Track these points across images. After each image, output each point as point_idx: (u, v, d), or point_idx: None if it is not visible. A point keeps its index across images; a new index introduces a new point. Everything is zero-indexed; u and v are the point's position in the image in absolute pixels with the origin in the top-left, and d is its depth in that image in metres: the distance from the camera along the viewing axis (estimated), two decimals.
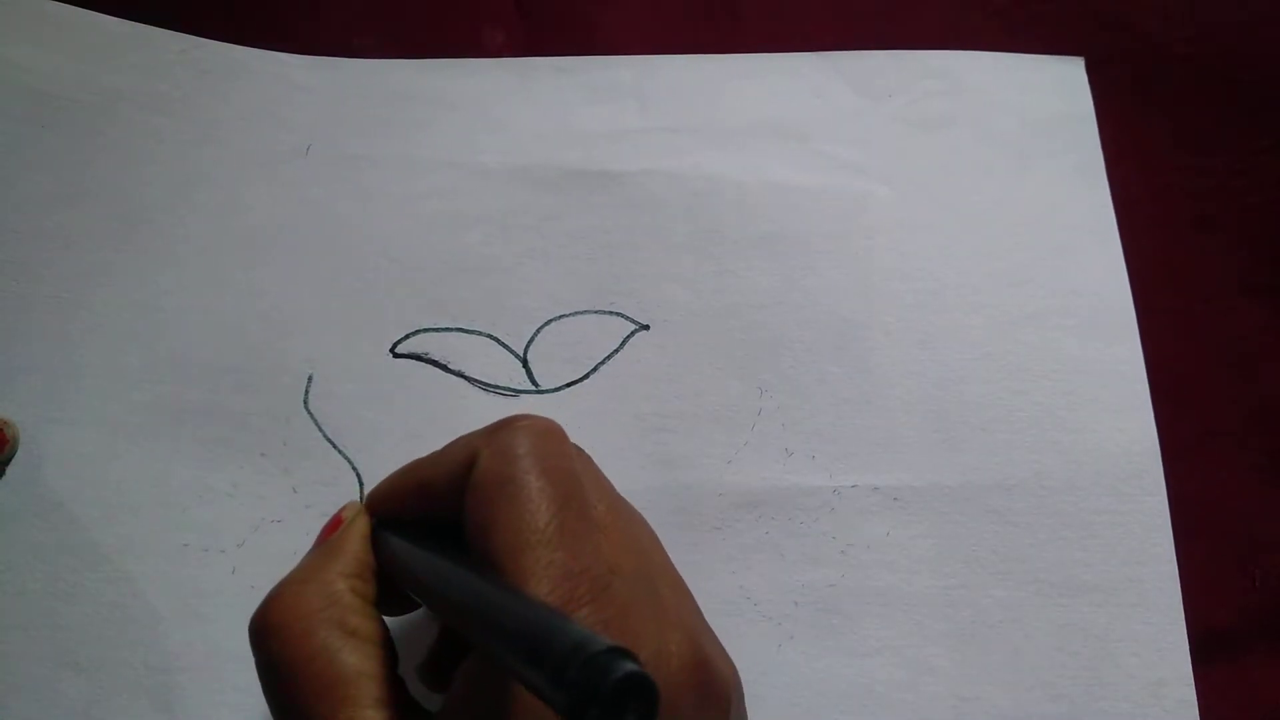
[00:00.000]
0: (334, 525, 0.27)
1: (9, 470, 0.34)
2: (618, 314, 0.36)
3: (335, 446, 0.35)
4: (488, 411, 0.35)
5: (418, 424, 0.35)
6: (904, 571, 0.34)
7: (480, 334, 0.36)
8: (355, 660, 0.22)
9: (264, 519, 0.34)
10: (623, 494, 0.33)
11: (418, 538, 0.25)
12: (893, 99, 0.40)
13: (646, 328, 0.36)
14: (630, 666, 0.15)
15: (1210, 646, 0.33)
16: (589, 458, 0.27)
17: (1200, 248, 0.39)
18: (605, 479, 0.27)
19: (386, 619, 0.25)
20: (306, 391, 0.35)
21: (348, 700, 0.21)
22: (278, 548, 0.33)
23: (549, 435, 0.24)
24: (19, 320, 0.36)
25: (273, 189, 0.38)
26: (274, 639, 0.23)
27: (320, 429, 0.35)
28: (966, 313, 0.37)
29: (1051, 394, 0.35)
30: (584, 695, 0.14)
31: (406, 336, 0.36)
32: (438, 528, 0.25)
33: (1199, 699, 0.32)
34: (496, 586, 0.20)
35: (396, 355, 0.36)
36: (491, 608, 0.19)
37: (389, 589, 0.25)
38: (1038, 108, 0.40)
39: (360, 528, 0.26)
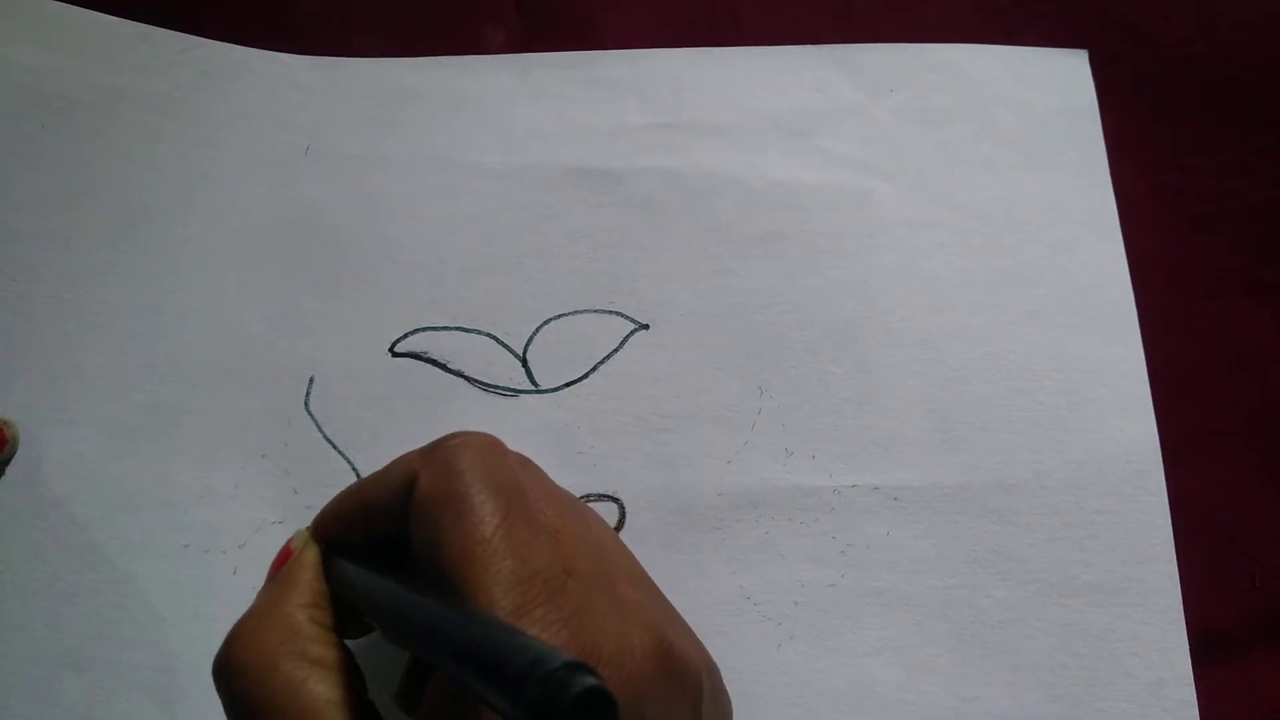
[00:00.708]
0: (284, 557, 0.26)
1: (9, 470, 0.34)
2: (617, 313, 0.36)
3: (335, 447, 0.35)
4: (487, 411, 0.35)
5: (417, 424, 0.35)
6: (904, 571, 0.34)
7: (480, 333, 0.36)
8: (322, 689, 0.22)
9: (265, 520, 0.34)
10: (623, 493, 0.33)
11: (368, 560, 0.25)
12: (894, 94, 0.40)
13: (646, 327, 0.36)
14: (588, 680, 0.14)
15: (1210, 646, 0.33)
16: (535, 466, 0.27)
17: (1200, 247, 0.39)
18: (554, 485, 0.27)
19: (351, 644, 0.25)
20: (307, 392, 0.35)
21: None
22: (279, 549, 0.33)
23: (487, 449, 0.24)
24: (19, 320, 0.36)
25: (273, 189, 0.38)
26: (238, 678, 0.23)
27: (320, 430, 0.35)
28: (968, 312, 0.36)
29: (1053, 393, 0.35)
30: (543, 713, 0.14)
31: (405, 336, 0.36)
32: (387, 548, 0.25)
33: (1199, 699, 0.32)
34: (449, 606, 0.20)
35: (396, 355, 0.36)
36: (446, 628, 0.19)
37: (347, 613, 0.25)
38: (1040, 102, 0.40)
39: (310, 557, 0.26)
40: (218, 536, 0.33)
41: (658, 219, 0.38)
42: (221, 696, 0.23)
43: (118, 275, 0.36)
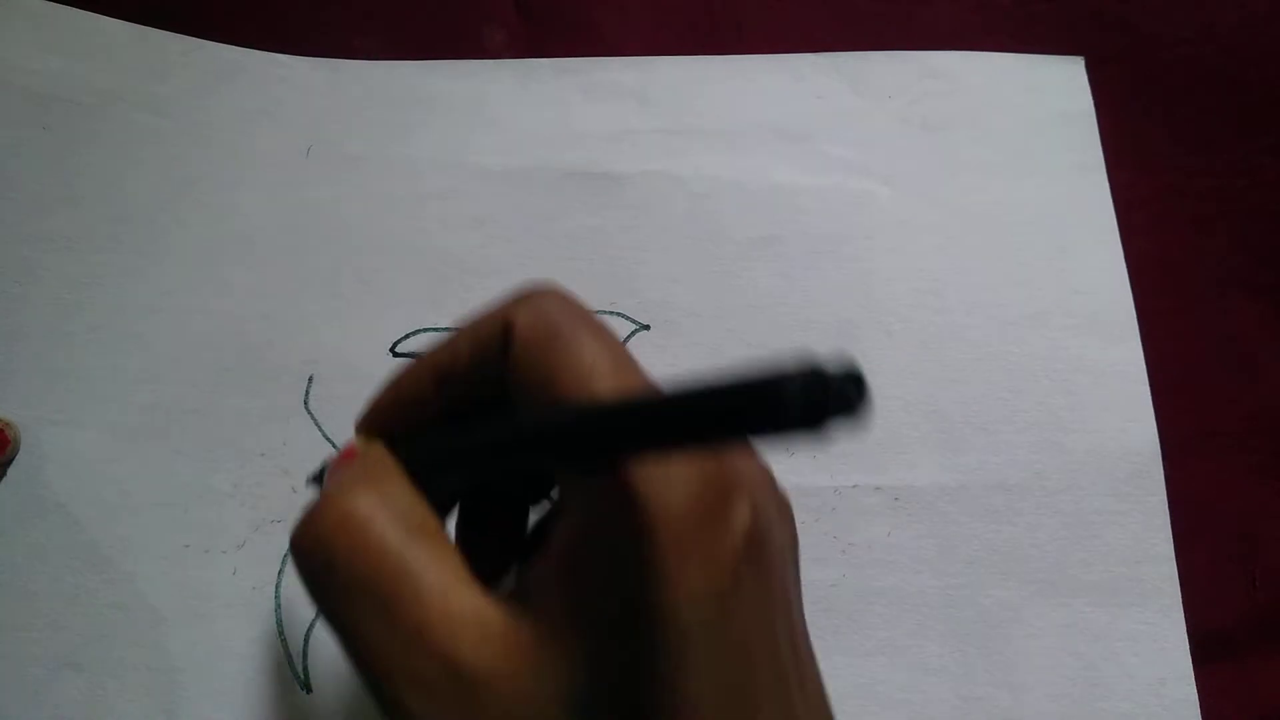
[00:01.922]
0: (346, 455, 0.24)
1: (10, 471, 0.34)
2: (618, 314, 0.37)
3: (335, 446, 0.35)
4: None
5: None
6: (904, 571, 0.34)
7: None
8: (428, 549, 0.20)
9: (265, 519, 0.34)
10: None
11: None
12: (893, 99, 0.40)
13: (647, 328, 0.36)
14: (839, 359, 0.13)
15: (1210, 646, 0.33)
16: None
17: (1200, 248, 0.39)
18: None
19: None
20: (307, 392, 0.35)
21: (435, 586, 0.20)
22: (278, 548, 0.33)
23: (567, 293, 0.23)
24: (20, 321, 0.36)
25: (273, 190, 0.38)
26: (339, 541, 0.20)
27: (320, 429, 0.35)
28: (967, 313, 0.37)
29: (1052, 394, 0.35)
30: (814, 405, 0.13)
31: (407, 336, 0.36)
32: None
33: (1199, 698, 0.32)
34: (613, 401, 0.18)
35: (397, 355, 0.36)
36: (643, 401, 0.17)
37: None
38: (1038, 107, 0.40)
39: (380, 450, 0.23)
40: (218, 536, 0.33)
41: (659, 222, 0.38)
42: (309, 566, 0.21)
43: (118, 276, 0.36)
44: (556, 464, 0.21)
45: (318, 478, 0.27)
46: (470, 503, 0.26)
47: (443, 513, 0.25)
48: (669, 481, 0.19)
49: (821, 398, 0.13)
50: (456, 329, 0.23)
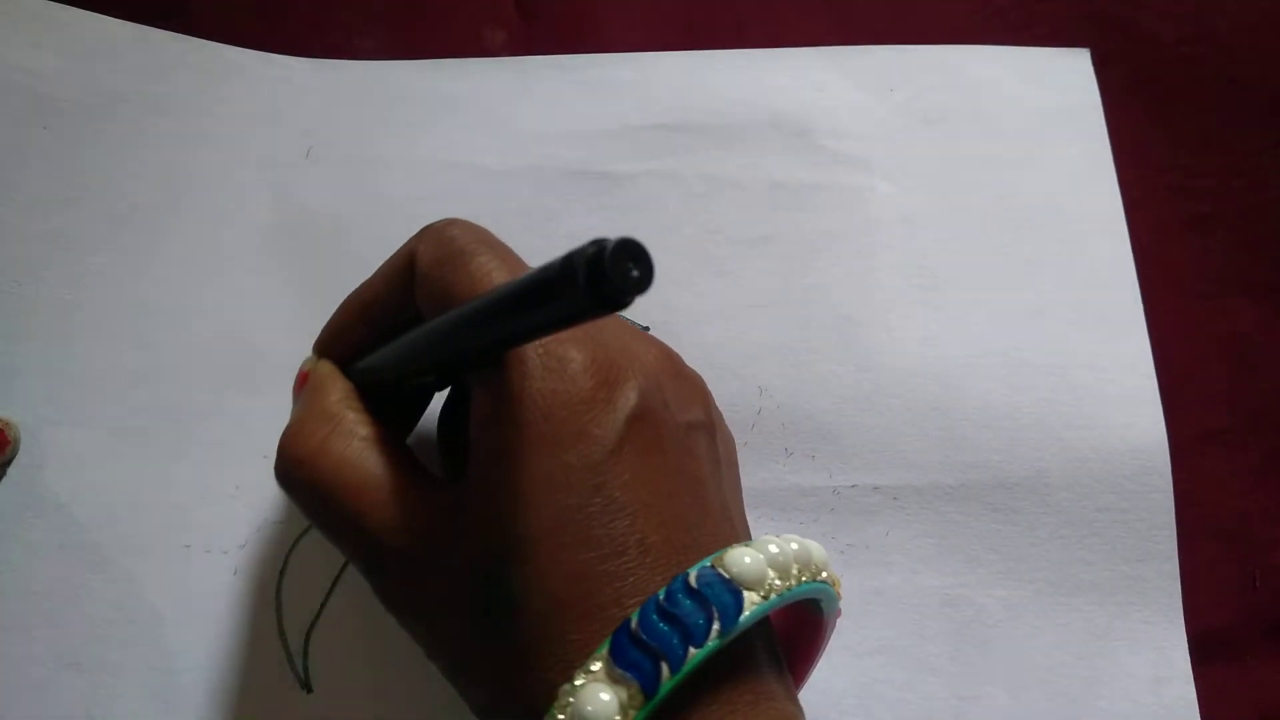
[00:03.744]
0: (302, 379, 0.29)
1: (10, 471, 0.34)
2: (618, 314, 0.36)
3: None
4: None
5: (418, 424, 0.35)
6: (904, 571, 0.34)
7: None
8: (375, 457, 0.24)
9: (266, 519, 0.34)
10: None
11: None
12: (894, 94, 0.40)
13: (647, 328, 0.36)
14: (625, 239, 0.15)
15: (1210, 646, 0.33)
16: None
17: (1200, 247, 0.39)
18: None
19: None
20: None
21: (391, 492, 0.23)
22: (279, 548, 0.33)
23: (473, 224, 0.26)
24: (20, 321, 0.36)
25: (273, 190, 0.38)
26: (298, 471, 0.25)
27: None
28: (969, 309, 0.36)
29: (1056, 390, 0.35)
30: (593, 271, 0.15)
31: None
32: None
33: (1199, 698, 0.32)
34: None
35: None
36: (486, 301, 0.20)
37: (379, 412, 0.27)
38: (1042, 100, 0.39)
39: (326, 366, 0.28)
40: (218, 536, 0.33)
41: (658, 220, 0.38)
42: (292, 497, 0.25)
43: (118, 276, 0.36)
44: (448, 366, 0.25)
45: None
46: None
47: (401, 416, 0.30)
48: (559, 374, 0.22)
49: (602, 266, 0.15)
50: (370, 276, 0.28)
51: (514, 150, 0.39)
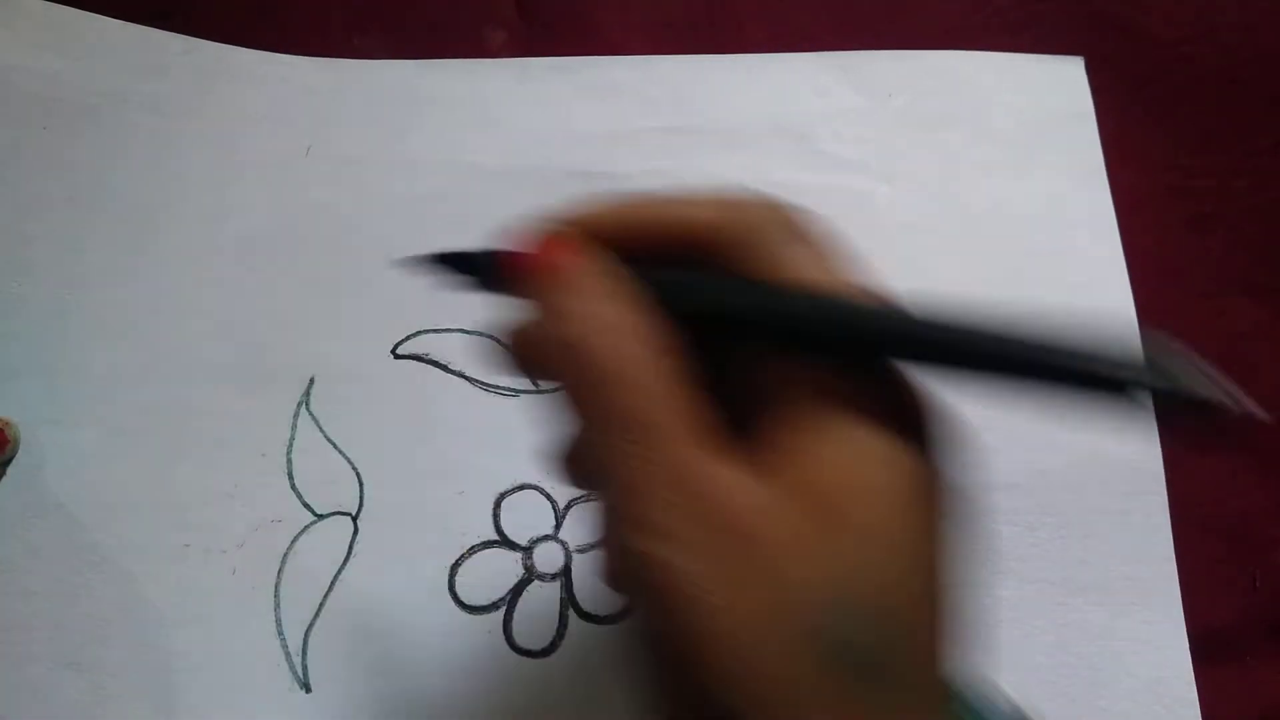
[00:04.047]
0: (558, 253, 0.21)
1: (10, 471, 0.34)
2: None
3: (336, 447, 0.35)
4: (488, 411, 0.35)
5: (418, 425, 0.35)
6: None
7: (481, 334, 0.36)
8: (677, 385, 0.19)
9: (264, 519, 0.34)
10: None
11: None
12: (893, 99, 0.40)
13: None
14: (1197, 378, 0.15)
15: (1210, 646, 0.33)
16: None
17: (1200, 247, 0.39)
18: None
19: None
20: (307, 392, 0.35)
21: (680, 411, 0.18)
22: (278, 548, 0.33)
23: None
24: (20, 321, 0.36)
25: (274, 190, 0.38)
26: (584, 348, 0.19)
27: (321, 429, 0.35)
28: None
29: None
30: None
31: (408, 337, 0.36)
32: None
33: (1199, 698, 0.32)
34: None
35: (397, 356, 0.36)
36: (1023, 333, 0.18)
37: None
38: (1037, 107, 0.40)
39: (613, 258, 0.21)
40: (217, 536, 0.33)
41: None
42: (566, 365, 0.19)
43: (118, 276, 0.36)
44: (833, 351, 0.20)
45: (452, 260, 0.25)
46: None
47: None
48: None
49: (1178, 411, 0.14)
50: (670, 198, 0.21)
51: (514, 151, 0.39)
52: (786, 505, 0.18)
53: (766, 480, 0.18)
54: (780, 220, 0.21)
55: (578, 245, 0.21)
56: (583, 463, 0.22)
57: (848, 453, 0.18)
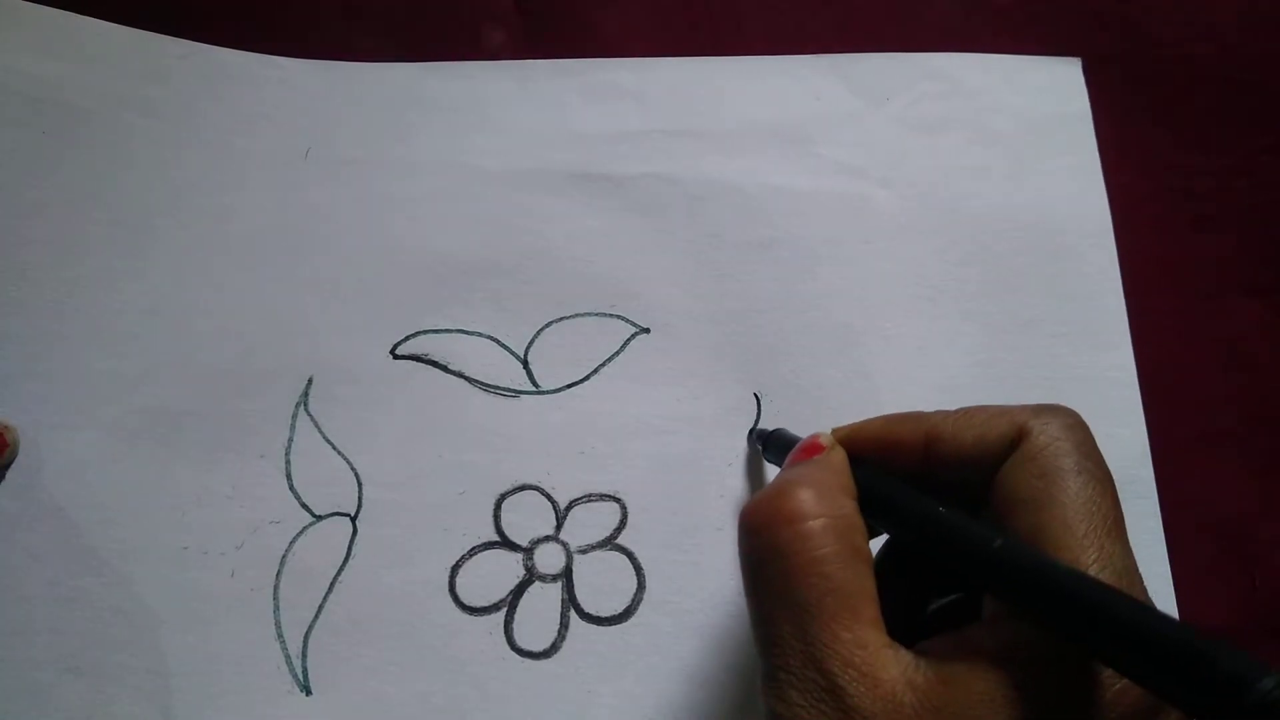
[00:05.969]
0: (812, 448, 0.26)
1: (9, 474, 0.34)
2: (619, 316, 0.36)
3: (335, 448, 0.35)
4: (488, 412, 0.35)
5: (418, 425, 0.35)
6: None
7: (481, 335, 0.36)
8: (857, 576, 0.22)
9: (263, 521, 0.34)
10: (624, 494, 0.33)
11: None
12: (891, 101, 0.40)
13: (647, 331, 0.36)
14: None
15: None
16: None
17: (1199, 248, 0.39)
18: None
19: None
20: (306, 393, 0.35)
21: (851, 613, 0.21)
22: (276, 550, 0.33)
23: (1091, 433, 0.24)
24: (19, 324, 0.36)
25: (273, 192, 0.38)
26: (784, 532, 0.22)
27: (320, 430, 0.35)
28: (961, 319, 0.37)
29: (1044, 400, 0.35)
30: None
31: (407, 338, 0.36)
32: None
33: None
34: (1092, 581, 0.20)
35: (397, 357, 0.36)
36: (1113, 606, 0.19)
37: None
38: (1034, 109, 0.40)
39: (841, 456, 0.26)
40: (216, 538, 0.33)
41: (658, 224, 0.38)
42: (752, 543, 0.23)
43: (117, 279, 0.36)
44: (1024, 608, 0.21)
45: (764, 440, 0.33)
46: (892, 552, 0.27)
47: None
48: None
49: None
50: (969, 410, 0.25)
51: (514, 152, 0.39)
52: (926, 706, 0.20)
53: (926, 682, 0.20)
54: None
55: (831, 443, 0.27)
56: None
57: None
